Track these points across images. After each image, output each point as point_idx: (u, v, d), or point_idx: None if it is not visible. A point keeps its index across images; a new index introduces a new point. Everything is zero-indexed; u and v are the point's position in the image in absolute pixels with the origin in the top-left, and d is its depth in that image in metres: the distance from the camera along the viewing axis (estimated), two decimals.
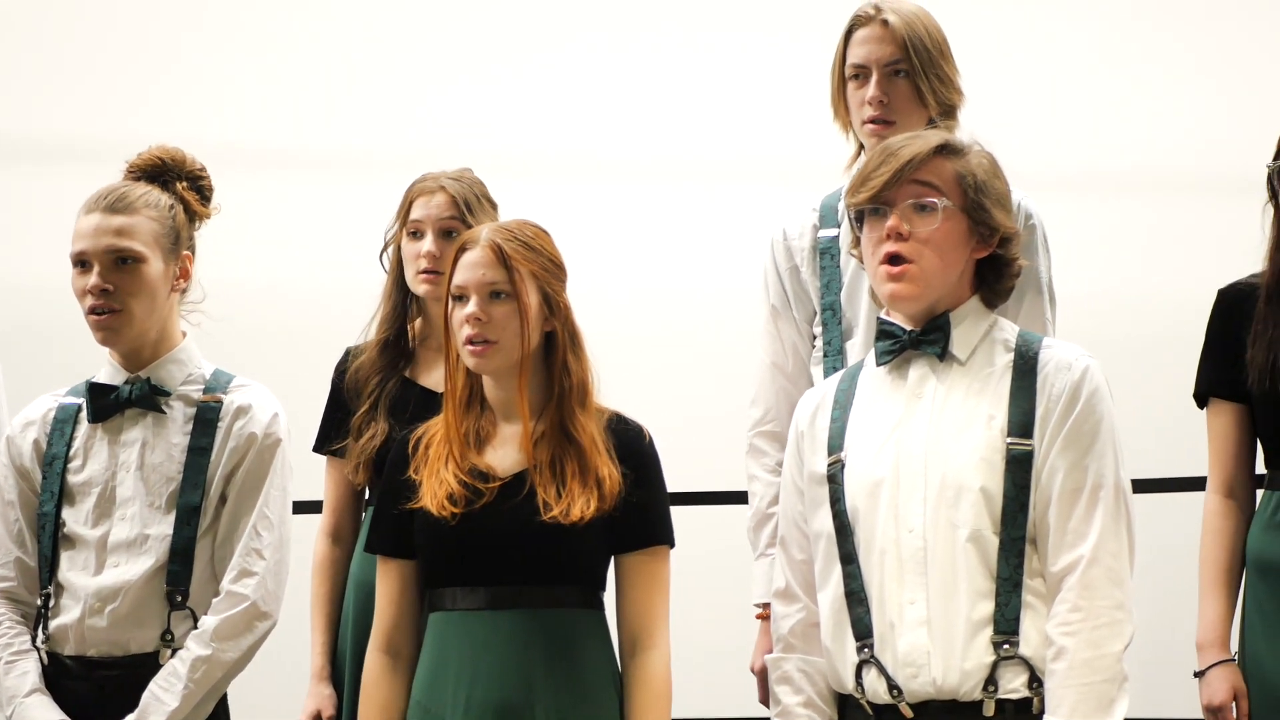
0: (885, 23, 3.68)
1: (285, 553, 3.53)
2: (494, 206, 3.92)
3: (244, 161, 4.82)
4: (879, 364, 3.13)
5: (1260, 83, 5.34)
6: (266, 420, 3.53)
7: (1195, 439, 3.74)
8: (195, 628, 3.44)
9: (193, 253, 3.58)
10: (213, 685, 3.42)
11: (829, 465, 3.09)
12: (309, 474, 3.96)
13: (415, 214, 3.86)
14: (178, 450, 3.50)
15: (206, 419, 3.51)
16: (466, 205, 3.83)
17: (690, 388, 5.08)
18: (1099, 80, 5.41)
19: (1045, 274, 3.70)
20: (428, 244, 3.82)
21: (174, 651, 3.43)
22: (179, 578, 3.45)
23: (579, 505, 3.17)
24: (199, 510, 3.47)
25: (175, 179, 3.58)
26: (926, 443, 3.02)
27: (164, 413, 3.51)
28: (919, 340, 3.07)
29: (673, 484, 3.36)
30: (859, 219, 3.09)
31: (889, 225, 3.03)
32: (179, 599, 3.45)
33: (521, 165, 5.10)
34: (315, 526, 3.95)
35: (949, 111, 3.71)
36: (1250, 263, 3.66)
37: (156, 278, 3.49)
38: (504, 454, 3.25)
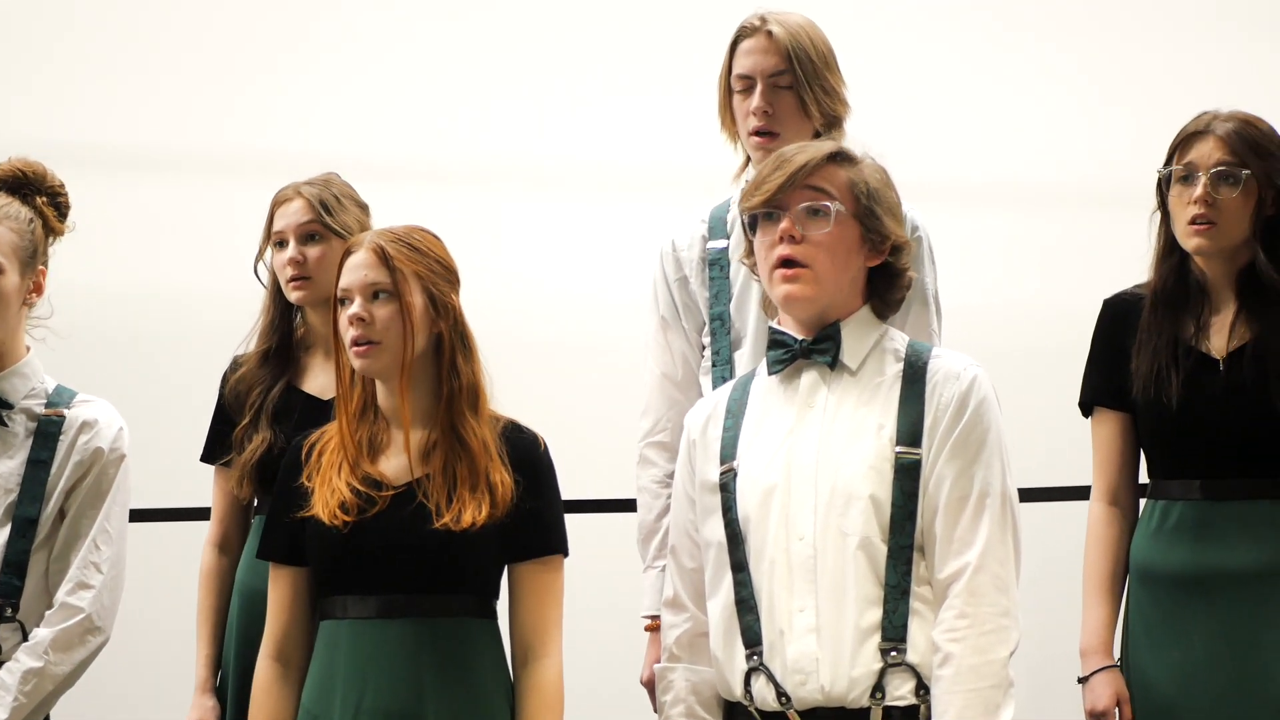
0: (770, 34, 3.71)
1: (122, 569, 3.52)
2: (362, 207, 3.94)
3: (99, 165, 4.77)
4: (770, 373, 3.14)
5: (1151, 100, 5.40)
6: (112, 435, 3.53)
7: (1083, 448, 3.78)
8: (24, 640, 3.42)
9: (46, 268, 3.55)
10: (43, 698, 3.40)
11: (721, 474, 3.10)
12: (182, 482, 3.95)
13: (277, 225, 3.88)
14: (17, 463, 3.47)
15: (48, 433, 3.49)
16: (324, 207, 3.84)
17: (586, 396, 5.08)
18: (992, 94, 5.45)
19: (931, 285, 3.74)
20: (290, 251, 3.84)
21: (1, 664, 3.39)
22: (11, 590, 3.42)
23: (470, 512, 3.17)
24: (36, 523, 3.45)
25: (35, 193, 3.56)
26: (817, 451, 3.04)
27: (5, 425, 3.49)
28: (810, 349, 3.09)
29: (567, 492, 3.36)
30: (752, 225, 3.11)
31: (782, 228, 3.05)
32: (9, 612, 3.42)
33: (416, 172, 5.08)
34: (181, 534, 3.93)
35: (834, 123, 3.73)
36: (1139, 274, 3.71)
37: (11, 290, 3.47)
38: (397, 462, 3.24)
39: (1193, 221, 3.53)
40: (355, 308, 3.21)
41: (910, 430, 3.03)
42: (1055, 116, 5.46)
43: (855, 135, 3.62)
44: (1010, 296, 5.30)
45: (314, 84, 5.16)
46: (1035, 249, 5.38)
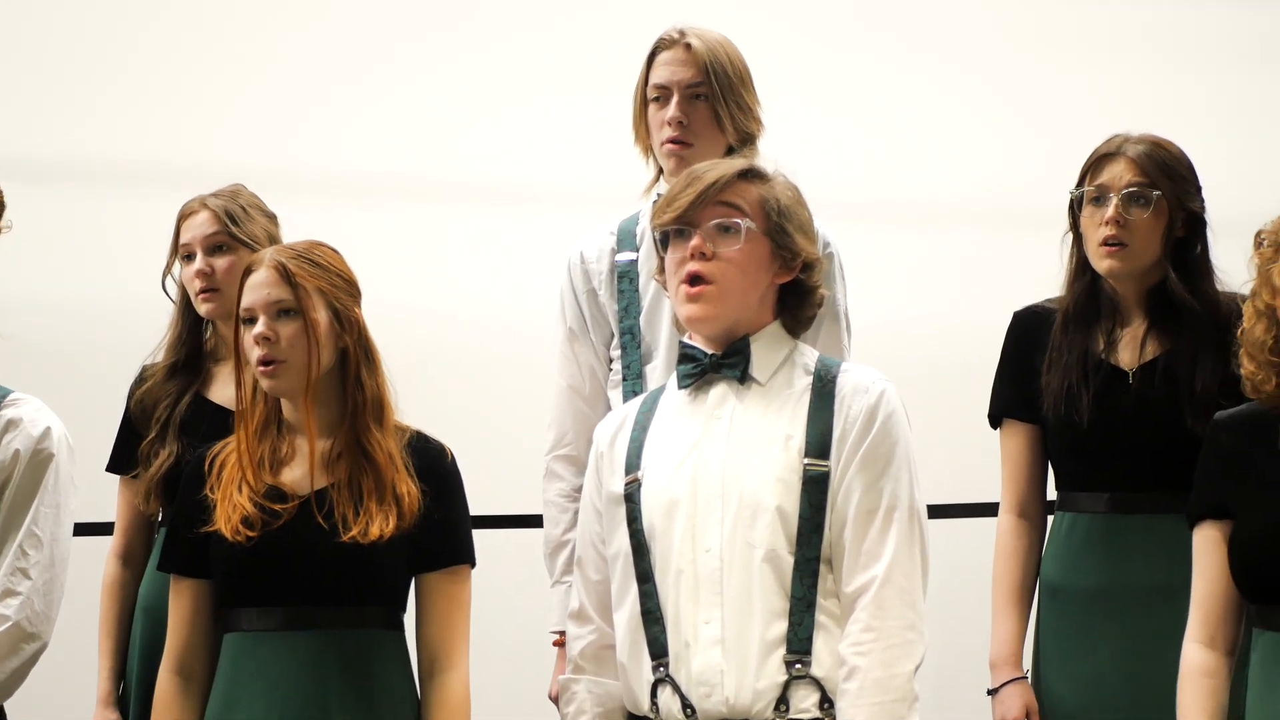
0: (688, 46, 3.72)
1: (58, 572, 3.46)
2: (270, 217, 3.91)
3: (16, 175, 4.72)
4: (680, 387, 3.14)
5: (1060, 121, 5.44)
6: (37, 435, 3.46)
7: (994, 465, 3.79)
8: None
9: None
10: None
11: (626, 484, 3.10)
12: (99, 494, 3.91)
13: (184, 238, 3.86)
14: None
15: None
16: (231, 218, 3.82)
17: (494, 409, 5.05)
18: (904, 113, 5.47)
19: (842, 302, 3.75)
20: (197, 263, 3.81)
21: None
22: None
23: (378, 524, 3.15)
24: None
25: None
26: (724, 462, 3.03)
27: None
28: (719, 363, 3.09)
29: (476, 506, 3.35)
30: (663, 241, 3.11)
31: (692, 245, 3.05)
32: None
33: (325, 184, 5.05)
34: (105, 548, 3.90)
35: (747, 139, 3.74)
36: (1043, 291, 3.72)
37: None
38: (302, 474, 3.22)
39: (1105, 243, 3.55)
40: (260, 327, 3.19)
41: (819, 442, 3.03)
42: (966, 136, 5.49)
43: (768, 152, 3.62)
44: (922, 313, 5.31)
45: (226, 95, 5.12)
46: (947, 266, 5.40)
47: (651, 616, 3.01)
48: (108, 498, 3.95)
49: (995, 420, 3.75)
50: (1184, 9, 5.71)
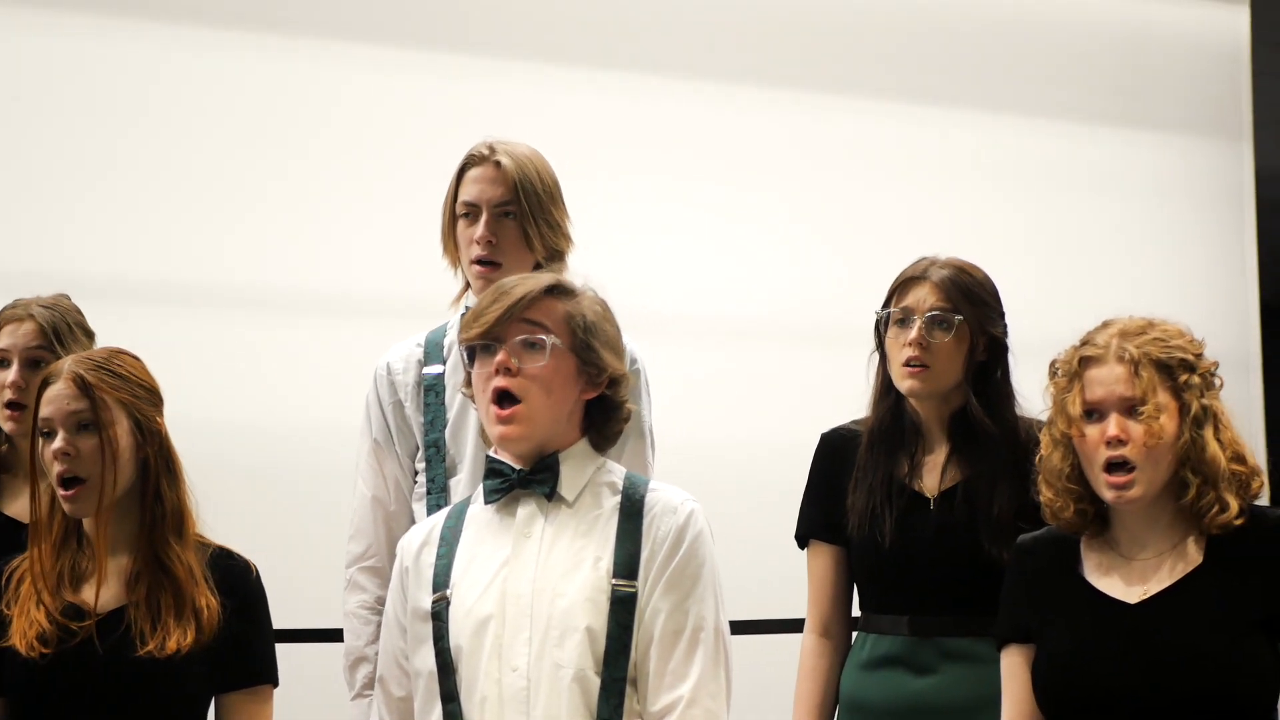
0: (498, 164, 3.72)
1: None
2: (89, 335, 3.84)
3: None
4: (487, 502, 3.13)
5: (867, 242, 5.51)
6: None
7: (797, 581, 3.81)
8: None
9: None
10: None
11: (434, 602, 3.07)
12: None
13: (2, 342, 3.77)
14: None
15: None
16: (56, 334, 3.75)
17: (298, 523, 4.98)
18: (714, 233, 5.52)
19: (647, 418, 3.76)
20: (12, 374, 3.74)
21: None
22: None
23: (175, 638, 3.09)
24: None
25: None
26: (534, 582, 3.02)
27: None
28: (528, 479, 3.09)
29: (279, 621, 3.30)
30: (470, 356, 3.11)
31: (497, 360, 3.05)
32: None
33: (133, 291, 4.98)
34: None
35: (556, 256, 3.75)
36: (854, 410, 3.76)
37: None
38: (101, 590, 3.15)
39: (907, 363, 3.61)
40: (59, 442, 3.13)
41: (627, 563, 3.03)
42: (774, 255, 5.54)
43: (577, 268, 3.63)
44: (728, 430, 5.34)
45: (35, 201, 5.03)
46: (756, 384, 5.43)
47: None
48: None
49: (802, 541, 3.78)
50: (994, 134, 5.83)
